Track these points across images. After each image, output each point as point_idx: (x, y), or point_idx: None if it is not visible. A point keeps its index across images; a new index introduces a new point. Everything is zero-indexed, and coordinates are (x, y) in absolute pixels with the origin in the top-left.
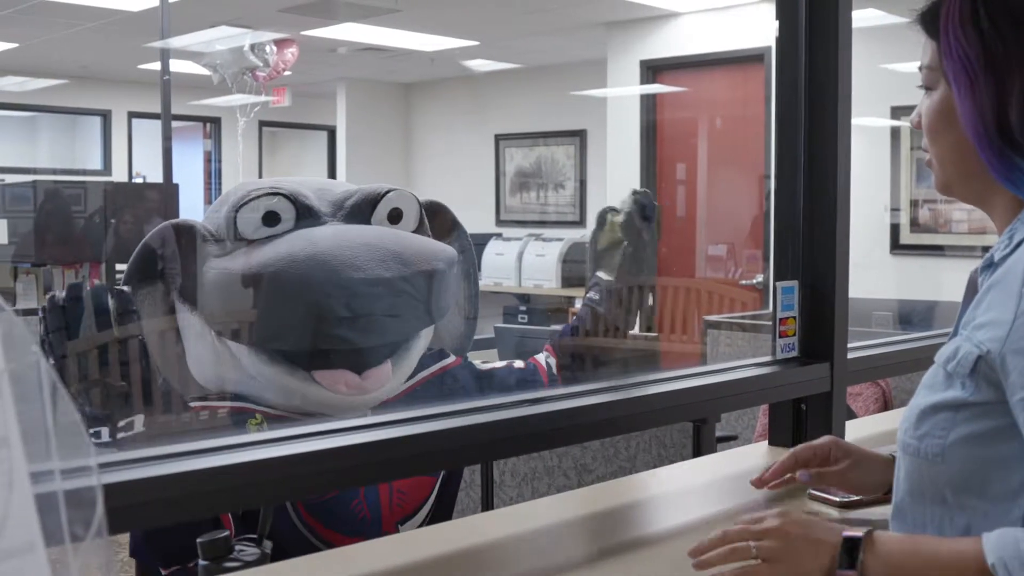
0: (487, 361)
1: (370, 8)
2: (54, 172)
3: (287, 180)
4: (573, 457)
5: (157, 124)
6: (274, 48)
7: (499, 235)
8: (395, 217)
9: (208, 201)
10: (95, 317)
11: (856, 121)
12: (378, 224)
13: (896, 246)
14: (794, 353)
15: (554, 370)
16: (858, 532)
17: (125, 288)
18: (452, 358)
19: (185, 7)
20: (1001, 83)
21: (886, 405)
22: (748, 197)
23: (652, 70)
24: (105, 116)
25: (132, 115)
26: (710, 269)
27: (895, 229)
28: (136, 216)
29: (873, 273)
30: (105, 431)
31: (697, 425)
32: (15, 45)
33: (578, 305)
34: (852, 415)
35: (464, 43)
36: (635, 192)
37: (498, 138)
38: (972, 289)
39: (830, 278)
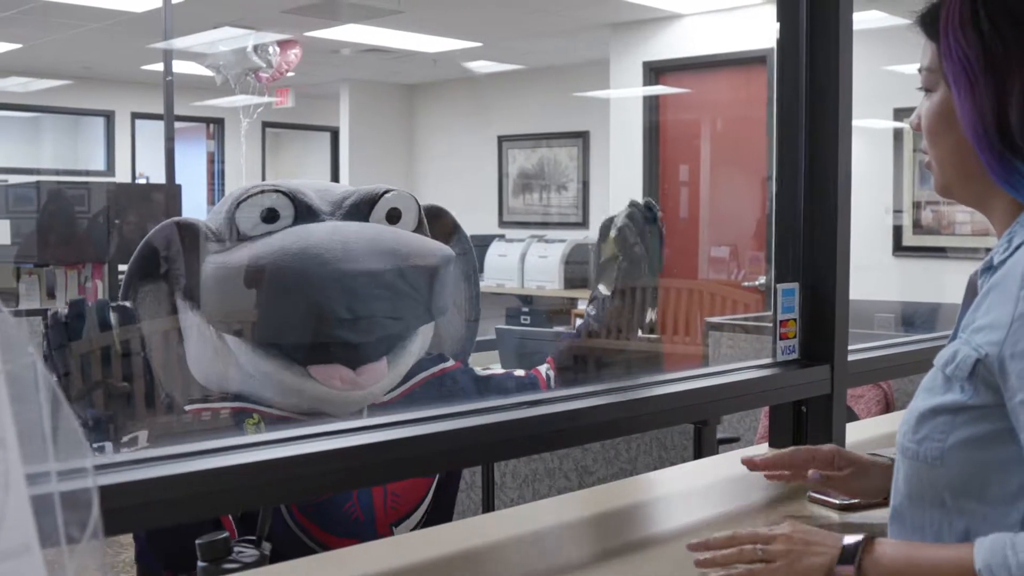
0: (488, 367)
1: (373, 9)
2: (57, 173)
3: (288, 181)
4: (574, 459)
5: (160, 125)
6: (277, 49)
7: (502, 236)
8: (393, 217)
9: (211, 202)
10: (98, 333)
11: (859, 123)
12: (376, 223)
13: (899, 248)
14: (795, 355)
15: (552, 383)
16: (858, 537)
17: (127, 304)
18: (451, 362)
19: (188, 8)
20: (1001, 84)
21: (888, 407)
22: (751, 199)
23: (655, 71)
24: (108, 117)
25: (135, 116)
26: (712, 271)
27: (898, 231)
28: (139, 217)
29: (875, 275)
30: (109, 446)
31: (698, 427)
32: (19, 46)
33: (581, 306)
34: (854, 417)
35: (467, 44)
36: (631, 204)
37: (501, 139)
38: (972, 292)
39: (831, 280)
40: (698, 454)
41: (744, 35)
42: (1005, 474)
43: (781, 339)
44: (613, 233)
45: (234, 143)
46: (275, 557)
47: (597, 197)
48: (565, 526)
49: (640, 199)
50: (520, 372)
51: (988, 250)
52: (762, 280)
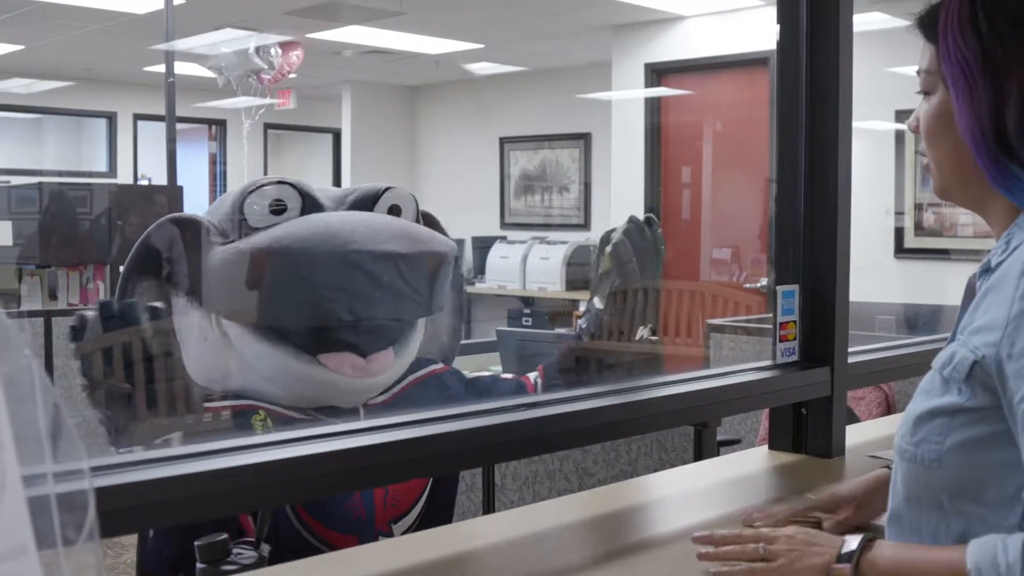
0: (488, 368)
1: (375, 11)
2: (59, 174)
3: (284, 176)
4: (574, 461)
5: (162, 126)
6: (279, 51)
7: (503, 238)
8: (394, 214)
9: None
10: (129, 332)
11: (861, 125)
12: None
13: (900, 250)
14: (794, 357)
15: (540, 391)
16: (857, 537)
17: (158, 304)
18: (440, 364)
19: (190, 10)
20: (999, 87)
21: (889, 409)
22: (753, 200)
23: (657, 73)
24: (110, 118)
25: (137, 117)
26: (715, 272)
27: (899, 233)
28: (141, 218)
29: (877, 277)
30: (139, 449)
31: (698, 429)
32: (21, 47)
33: (583, 308)
34: (855, 419)
35: (469, 46)
36: (630, 220)
37: (503, 141)
38: (970, 293)
39: (831, 282)
40: (698, 456)
41: (746, 37)
42: (1002, 476)
43: (781, 341)
44: (609, 249)
45: (236, 144)
46: (278, 555)
47: (599, 199)
48: (565, 528)
49: (642, 208)
50: (508, 376)
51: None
52: (764, 282)
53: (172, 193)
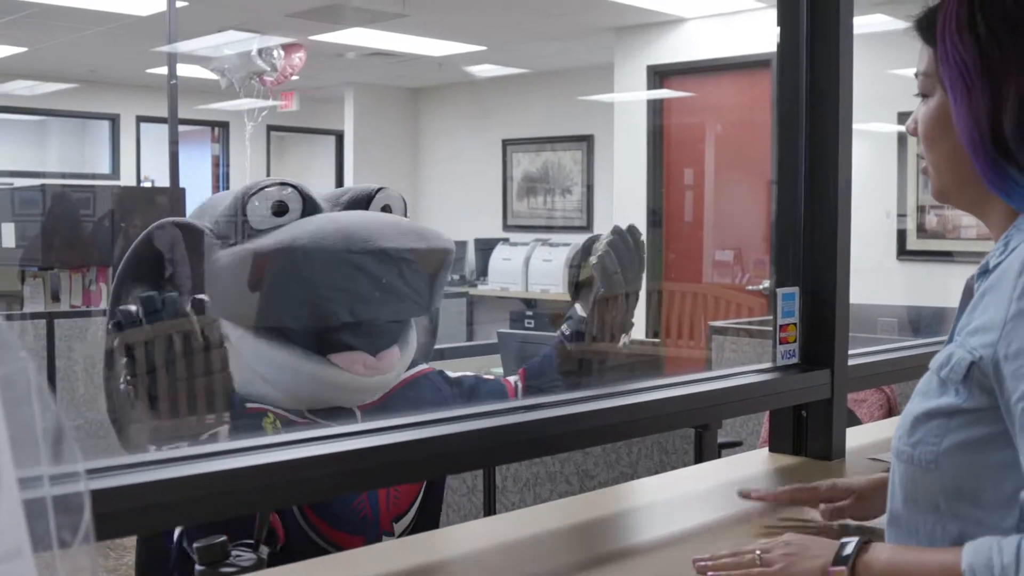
0: (490, 371)
1: (377, 13)
2: (63, 176)
3: (284, 178)
4: (575, 463)
5: (165, 128)
6: (281, 53)
7: (506, 240)
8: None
9: None
10: (175, 326)
11: (863, 126)
12: None
13: (903, 252)
14: (795, 359)
15: (519, 393)
16: (854, 540)
17: (204, 296)
18: (426, 364)
19: (193, 12)
20: (997, 90)
21: (891, 412)
22: (755, 202)
23: (659, 75)
24: (114, 120)
25: (140, 119)
26: (717, 274)
27: (901, 235)
28: (144, 220)
29: (879, 279)
30: (184, 445)
31: (699, 431)
32: (24, 49)
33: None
34: (856, 421)
35: (471, 48)
36: (614, 230)
37: (505, 143)
38: (968, 295)
39: (831, 284)
40: (699, 458)
41: (748, 39)
42: (999, 478)
43: (781, 343)
44: (594, 261)
45: (239, 146)
46: (286, 557)
47: (601, 201)
48: (565, 530)
49: (644, 210)
50: (489, 376)
51: None
52: (766, 284)
53: (175, 195)
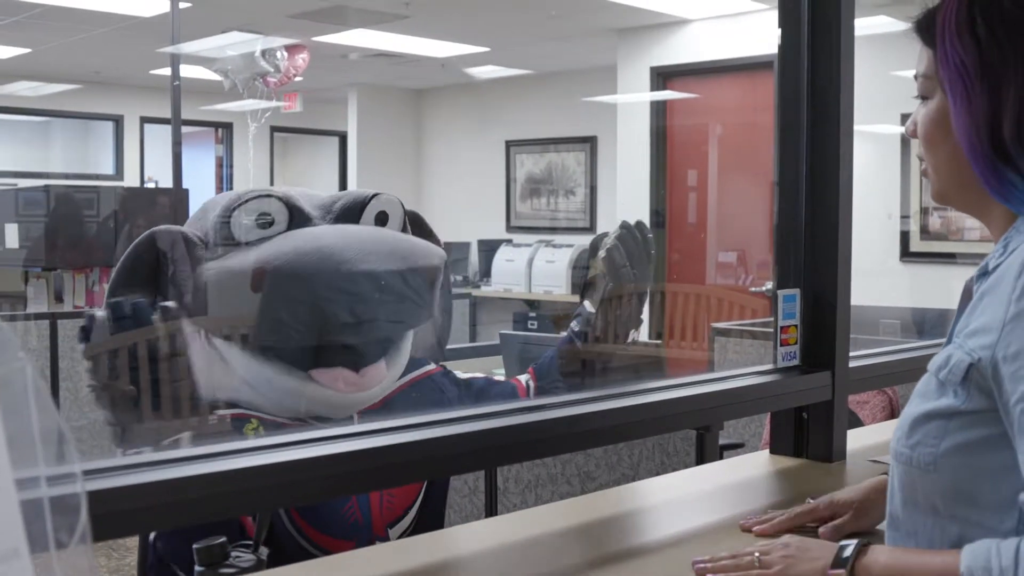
0: (492, 372)
1: (380, 14)
2: (66, 177)
3: (271, 188)
4: (576, 464)
5: (169, 129)
6: (285, 54)
7: (509, 241)
8: (381, 221)
9: None
10: (141, 333)
11: (867, 128)
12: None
13: (906, 253)
14: (795, 361)
15: (531, 393)
16: (852, 542)
17: (170, 303)
18: (433, 365)
19: (196, 13)
20: (996, 92)
21: (893, 413)
22: (759, 204)
23: (662, 76)
24: (117, 121)
25: (144, 120)
26: (720, 276)
27: (905, 236)
28: (147, 221)
29: (882, 281)
30: (148, 450)
31: (700, 433)
32: (28, 50)
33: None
34: (858, 423)
35: (474, 49)
36: (622, 225)
37: (509, 144)
38: (967, 297)
39: (832, 286)
40: (700, 460)
41: (751, 40)
42: (998, 481)
43: (782, 345)
44: (602, 254)
45: (242, 147)
46: (272, 561)
47: (605, 202)
48: (564, 532)
49: (647, 211)
50: (499, 377)
51: None
52: (769, 285)
53: (178, 196)
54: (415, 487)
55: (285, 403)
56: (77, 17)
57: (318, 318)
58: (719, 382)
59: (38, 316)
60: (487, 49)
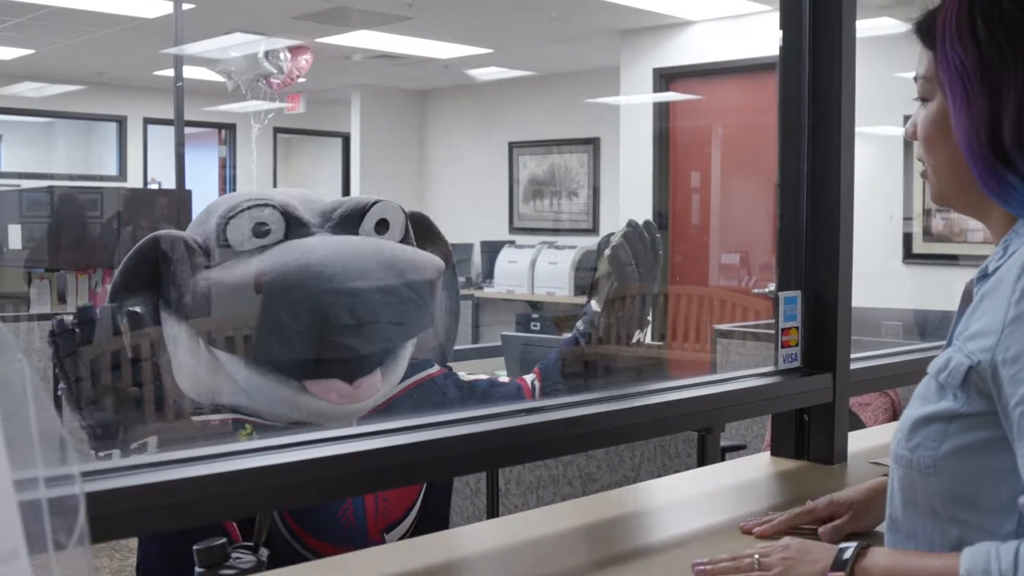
0: (495, 373)
1: (383, 16)
2: (70, 178)
3: (272, 191)
4: (578, 466)
5: (172, 130)
6: (288, 55)
7: (512, 242)
8: (382, 228)
9: None
10: (109, 338)
11: (870, 130)
12: (365, 235)
13: (908, 255)
14: (796, 363)
15: (537, 394)
16: (852, 544)
17: (137, 308)
18: (436, 367)
19: (200, 14)
20: (996, 94)
21: (895, 415)
22: (762, 205)
23: (665, 78)
24: (121, 122)
25: (147, 121)
26: (723, 277)
27: (907, 238)
28: (151, 222)
29: (884, 283)
30: (117, 452)
31: (702, 434)
32: (31, 51)
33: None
34: (860, 425)
35: (477, 51)
36: (629, 224)
37: (511, 146)
38: (967, 299)
39: (833, 288)
40: (702, 462)
41: (754, 42)
42: (997, 484)
43: (783, 347)
44: (608, 252)
45: (246, 148)
46: (267, 565)
47: (607, 203)
48: (565, 533)
49: (650, 213)
50: (505, 379)
51: None
52: (772, 287)
53: (181, 197)
54: (413, 490)
55: (279, 411)
56: (81, 18)
57: (309, 333)
58: (720, 384)
59: (41, 317)
60: (490, 50)
